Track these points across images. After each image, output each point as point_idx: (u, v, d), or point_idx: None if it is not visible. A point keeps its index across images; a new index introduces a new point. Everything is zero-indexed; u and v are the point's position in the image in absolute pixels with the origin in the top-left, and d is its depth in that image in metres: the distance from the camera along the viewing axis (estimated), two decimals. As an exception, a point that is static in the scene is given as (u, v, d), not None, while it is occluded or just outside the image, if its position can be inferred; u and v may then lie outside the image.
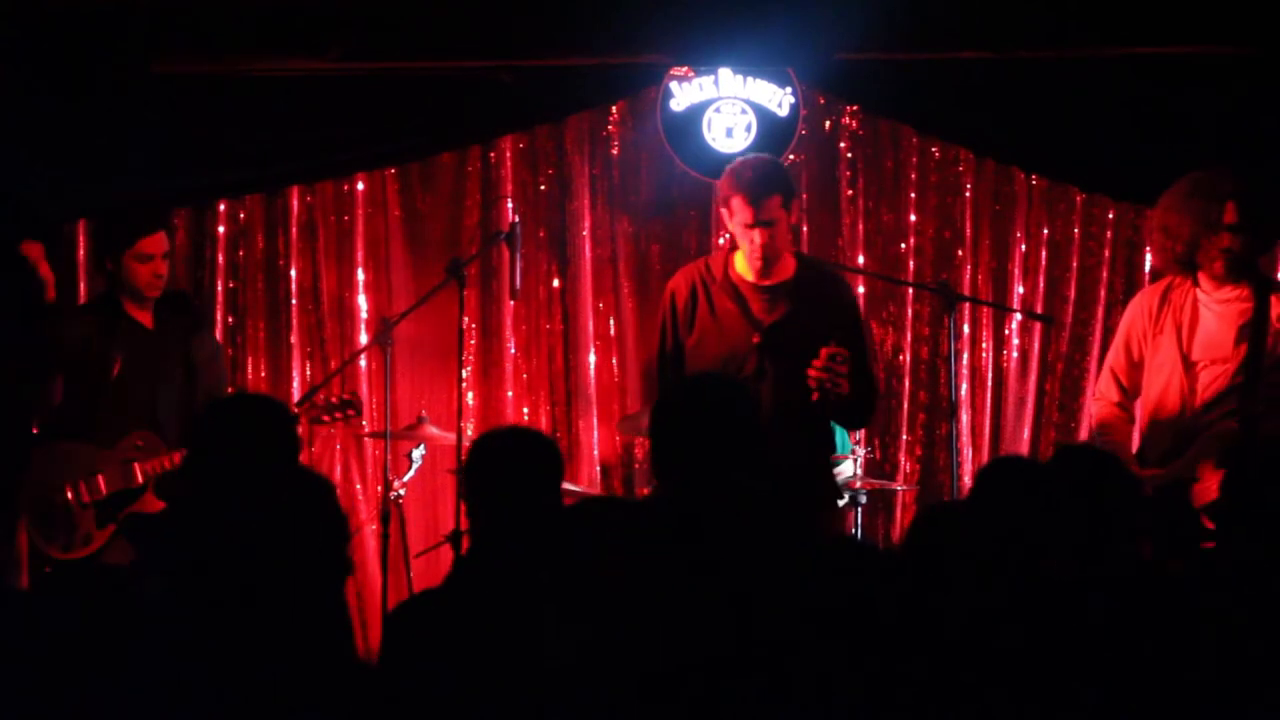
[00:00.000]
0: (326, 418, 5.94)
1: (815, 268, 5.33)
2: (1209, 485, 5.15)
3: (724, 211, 5.19)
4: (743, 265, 5.19)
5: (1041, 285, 7.01)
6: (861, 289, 7.02)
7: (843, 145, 7.02)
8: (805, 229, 7.01)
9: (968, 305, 6.88)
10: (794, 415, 5.04)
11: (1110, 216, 6.97)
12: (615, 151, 7.04)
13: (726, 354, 5.10)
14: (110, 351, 5.78)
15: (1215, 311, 5.34)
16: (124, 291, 5.84)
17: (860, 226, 7.02)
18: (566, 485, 5.68)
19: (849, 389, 4.97)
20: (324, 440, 7.01)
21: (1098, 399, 5.59)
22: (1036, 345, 7.00)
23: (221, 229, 6.97)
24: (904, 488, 6.91)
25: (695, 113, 6.76)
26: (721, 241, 6.95)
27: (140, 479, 5.70)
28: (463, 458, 5.56)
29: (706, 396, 3.94)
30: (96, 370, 5.77)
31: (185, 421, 5.80)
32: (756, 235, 5.08)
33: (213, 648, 3.23)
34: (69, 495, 5.67)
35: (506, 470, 3.60)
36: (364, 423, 6.88)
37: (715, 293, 5.17)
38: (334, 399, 5.98)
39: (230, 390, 6.79)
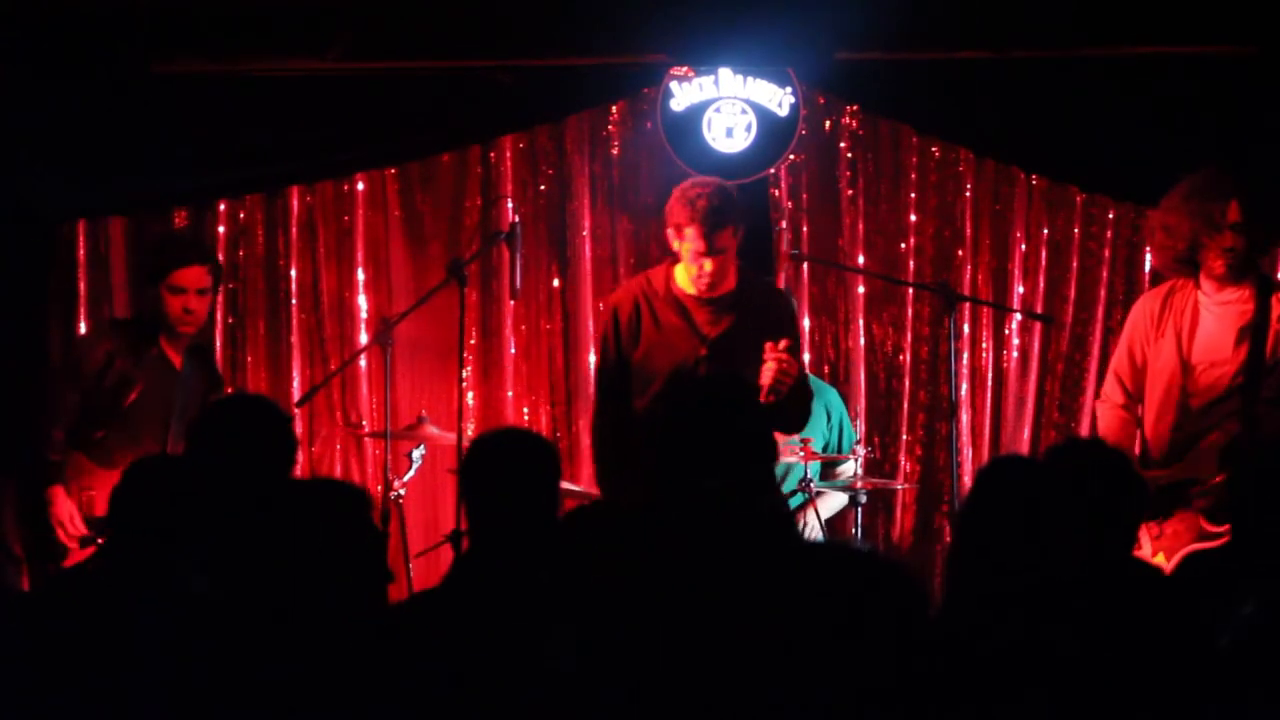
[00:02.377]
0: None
1: (755, 279, 5.44)
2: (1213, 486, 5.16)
3: (671, 232, 5.27)
4: (684, 279, 5.30)
5: (1041, 285, 7.00)
6: (861, 289, 7.03)
7: (843, 145, 7.01)
8: (805, 229, 7.00)
9: (968, 305, 6.87)
10: None
11: (1110, 216, 6.96)
12: (615, 151, 7.03)
13: (673, 367, 5.22)
14: (132, 375, 5.74)
15: (1215, 314, 5.34)
16: (160, 323, 5.80)
17: (860, 226, 7.02)
18: (566, 485, 5.68)
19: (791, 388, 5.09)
20: (324, 440, 7.01)
21: (1102, 402, 5.60)
22: (1036, 345, 7.00)
23: (221, 229, 6.96)
24: (904, 487, 6.91)
25: (695, 113, 6.76)
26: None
27: None
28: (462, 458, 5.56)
29: (705, 401, 3.93)
30: (114, 389, 5.73)
31: None
32: (708, 264, 5.19)
33: (210, 647, 3.24)
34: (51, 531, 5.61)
35: (504, 471, 3.60)
36: (364, 423, 6.89)
37: (659, 307, 5.26)
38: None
39: (226, 390, 6.80)
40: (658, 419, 3.90)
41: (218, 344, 6.89)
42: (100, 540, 5.62)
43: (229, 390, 6.77)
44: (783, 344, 5.12)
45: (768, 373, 5.10)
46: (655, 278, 5.38)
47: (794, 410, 5.26)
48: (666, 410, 3.90)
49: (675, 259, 5.37)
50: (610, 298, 5.45)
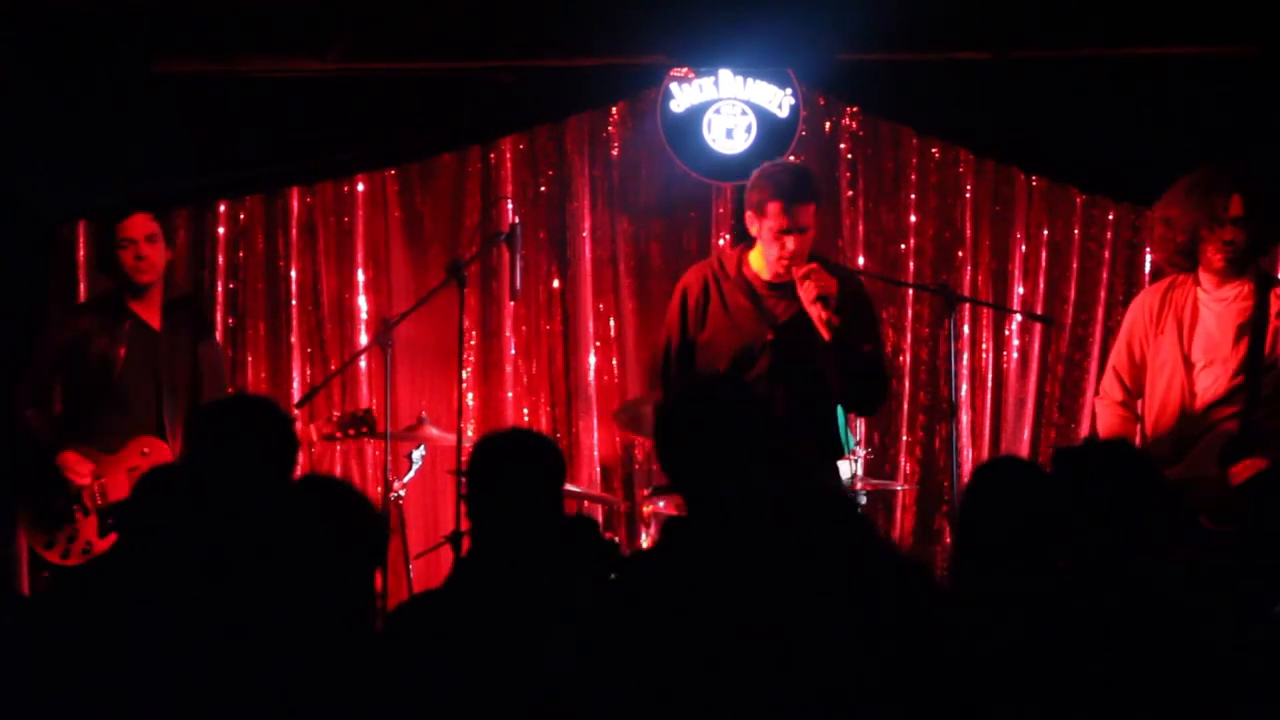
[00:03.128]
0: (339, 434, 5.90)
1: (827, 265, 5.27)
2: (1214, 486, 5.15)
3: (751, 214, 5.15)
4: (758, 263, 5.19)
5: (1041, 286, 7.01)
6: (862, 289, 7.03)
7: (843, 146, 7.02)
8: (805, 229, 7.00)
9: (968, 306, 6.88)
10: (805, 412, 5.06)
11: (1110, 217, 6.97)
12: (615, 152, 7.04)
13: (739, 350, 5.10)
14: (113, 349, 5.73)
15: (1215, 311, 5.33)
16: (125, 287, 5.80)
17: (860, 227, 7.02)
18: (566, 486, 5.68)
19: (859, 363, 5.01)
20: (324, 440, 7.00)
21: (1101, 399, 5.59)
22: (1036, 346, 7.00)
23: (221, 229, 6.96)
24: (904, 487, 6.91)
25: (695, 114, 6.76)
26: (721, 242, 6.95)
27: None
28: (463, 458, 5.55)
29: (713, 399, 3.90)
30: (98, 367, 5.72)
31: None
32: (790, 242, 5.05)
33: (208, 643, 3.23)
34: (68, 484, 5.62)
35: (509, 472, 3.60)
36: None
37: (728, 290, 5.17)
38: (348, 414, 5.94)
39: (230, 391, 6.79)
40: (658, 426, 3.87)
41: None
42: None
43: (229, 390, 6.77)
44: (806, 267, 5.03)
45: (807, 290, 4.98)
46: (727, 260, 5.27)
47: (865, 377, 5.11)
48: (660, 418, 3.88)
49: (749, 245, 5.25)
50: (680, 279, 5.36)
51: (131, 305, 5.79)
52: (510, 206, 6.91)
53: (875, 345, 5.21)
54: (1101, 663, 3.23)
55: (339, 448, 7.00)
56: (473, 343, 6.98)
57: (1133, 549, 3.48)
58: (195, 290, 6.92)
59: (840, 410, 6.43)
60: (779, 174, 5.13)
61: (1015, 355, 7.03)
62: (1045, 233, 7.00)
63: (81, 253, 6.79)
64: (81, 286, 6.75)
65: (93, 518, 5.63)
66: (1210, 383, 5.29)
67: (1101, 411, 5.57)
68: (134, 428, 5.70)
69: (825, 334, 4.99)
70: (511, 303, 6.90)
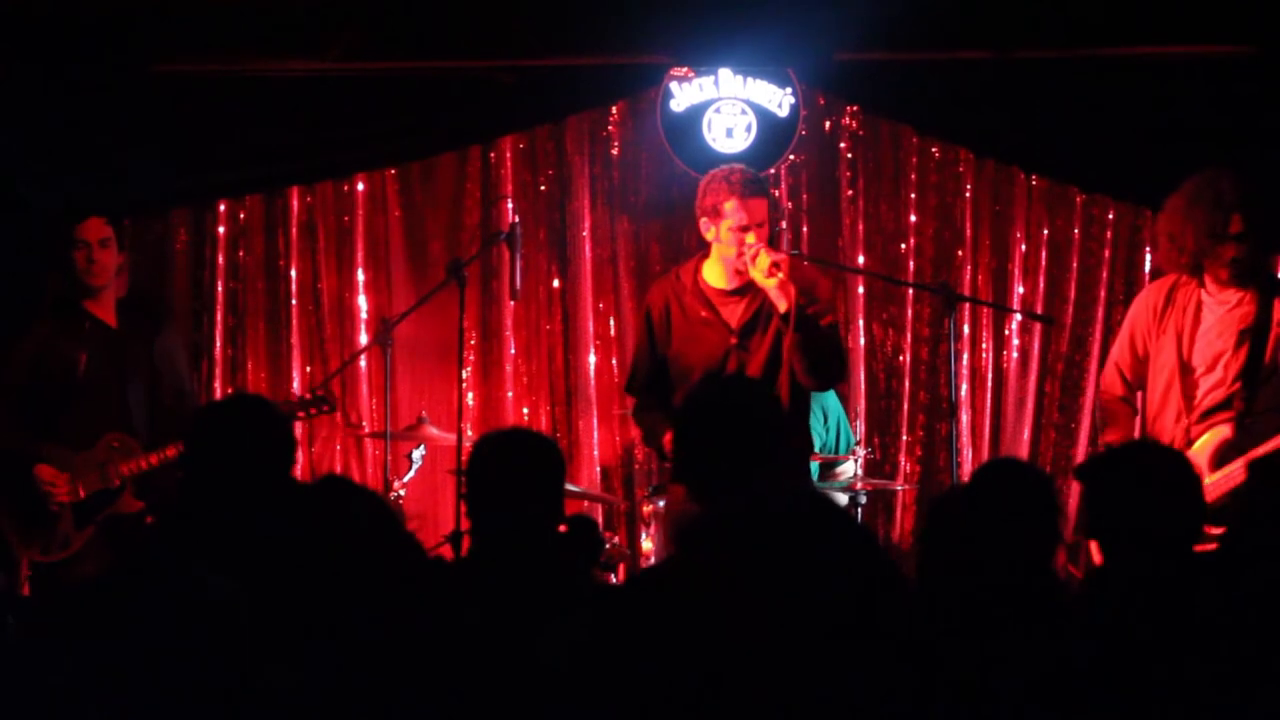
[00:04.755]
0: (301, 413, 5.91)
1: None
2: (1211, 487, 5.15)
3: (706, 220, 5.22)
4: (712, 274, 5.29)
5: (1041, 285, 7.01)
6: (861, 289, 7.03)
7: (843, 145, 7.02)
8: (805, 229, 7.01)
9: (968, 305, 6.88)
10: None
11: (1110, 216, 6.97)
12: (615, 152, 7.03)
13: (705, 359, 5.20)
14: (74, 352, 5.74)
15: (1218, 315, 5.33)
16: (80, 290, 5.81)
17: (860, 226, 7.02)
18: (567, 486, 5.68)
19: (817, 335, 5.06)
20: (324, 440, 7.01)
21: (1102, 393, 5.61)
22: (1036, 345, 7.00)
23: (221, 229, 6.96)
24: (904, 487, 6.91)
25: (695, 113, 6.77)
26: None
27: (117, 481, 5.66)
28: (463, 458, 5.55)
29: (730, 400, 3.92)
30: (61, 371, 5.73)
31: (155, 421, 5.76)
32: (751, 236, 5.14)
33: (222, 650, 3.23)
34: (49, 497, 5.63)
35: (509, 471, 3.60)
36: (364, 423, 6.89)
37: (689, 302, 5.29)
38: (306, 394, 5.95)
39: (226, 390, 6.79)
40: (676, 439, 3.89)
41: (217, 344, 6.89)
42: (97, 519, 5.65)
43: (229, 390, 6.77)
44: (753, 246, 5.09)
45: (760, 264, 5.03)
46: (685, 273, 5.37)
47: (820, 346, 5.13)
48: (680, 421, 3.89)
49: (705, 254, 5.33)
50: (645, 297, 5.48)
51: (87, 306, 5.81)
52: (510, 206, 6.91)
53: (832, 320, 5.27)
54: (1105, 664, 3.23)
55: (338, 447, 7.00)
56: (473, 342, 6.98)
57: (1158, 552, 3.48)
58: (195, 290, 6.92)
59: (841, 408, 6.47)
60: (728, 174, 5.23)
61: (1015, 355, 7.03)
62: (1045, 232, 7.00)
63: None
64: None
65: (68, 512, 5.65)
66: (1209, 387, 5.30)
67: (1102, 406, 5.59)
68: (102, 424, 5.71)
69: (786, 302, 5.03)
70: (511, 302, 6.90)
